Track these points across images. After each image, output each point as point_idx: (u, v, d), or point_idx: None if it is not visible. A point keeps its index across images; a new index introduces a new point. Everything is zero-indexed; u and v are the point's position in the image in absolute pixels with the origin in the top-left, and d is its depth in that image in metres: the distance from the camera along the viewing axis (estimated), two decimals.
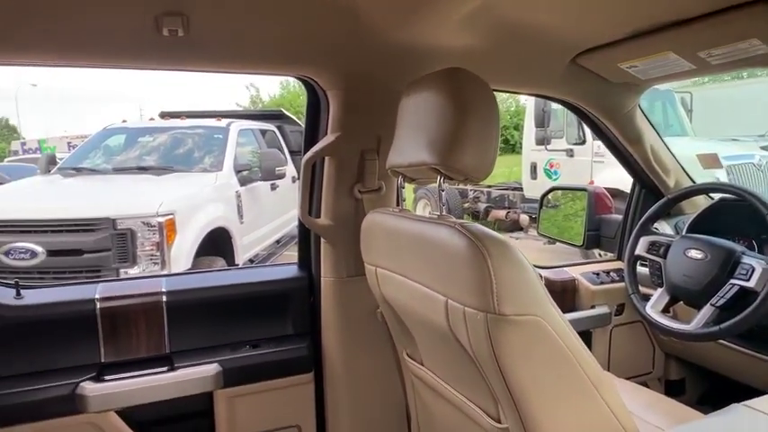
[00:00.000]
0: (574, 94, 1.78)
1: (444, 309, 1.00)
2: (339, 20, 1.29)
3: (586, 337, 1.91)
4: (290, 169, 5.33)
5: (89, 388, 1.37)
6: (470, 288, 0.92)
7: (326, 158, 1.52)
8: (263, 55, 1.33)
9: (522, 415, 0.96)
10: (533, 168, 7.23)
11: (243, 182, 4.94)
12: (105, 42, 1.19)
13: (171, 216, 3.89)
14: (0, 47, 1.13)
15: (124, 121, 5.71)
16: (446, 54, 1.43)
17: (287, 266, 1.74)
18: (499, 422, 1.05)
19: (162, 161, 4.93)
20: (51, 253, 3.71)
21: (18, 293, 1.39)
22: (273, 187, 5.50)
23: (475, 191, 8.90)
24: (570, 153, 6.52)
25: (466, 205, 8.79)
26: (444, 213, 1.10)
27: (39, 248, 3.71)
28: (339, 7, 1.25)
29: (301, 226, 1.63)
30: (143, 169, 4.79)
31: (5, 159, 15.80)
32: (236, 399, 1.53)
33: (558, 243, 2.51)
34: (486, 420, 1.08)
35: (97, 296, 1.42)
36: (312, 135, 1.56)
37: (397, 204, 1.62)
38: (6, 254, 3.71)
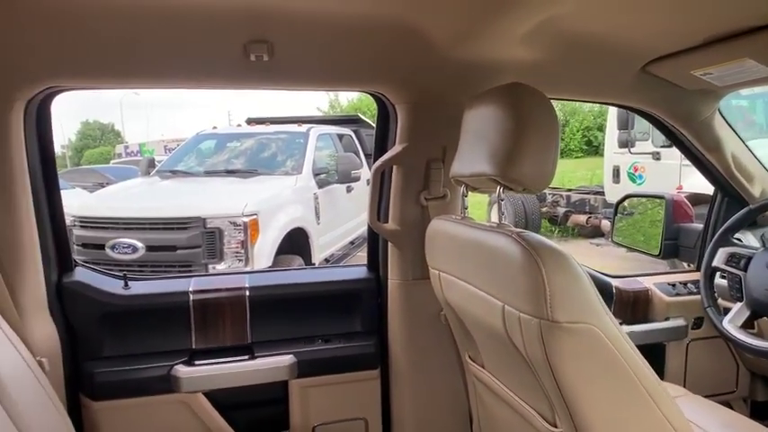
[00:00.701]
0: (645, 102, 1.75)
1: (501, 314, 1.06)
2: (406, 40, 1.37)
3: (659, 349, 1.85)
4: (365, 172, 5.51)
5: (182, 370, 1.55)
6: (525, 295, 0.97)
7: (395, 167, 1.61)
8: (338, 74, 1.45)
9: (575, 420, 0.99)
10: (616, 172, 6.91)
11: (320, 184, 5.18)
12: (202, 68, 1.35)
13: (255, 216, 4.17)
14: (121, 74, 1.33)
15: (215, 128, 6.16)
16: (508, 67, 1.48)
17: (357, 268, 1.85)
18: (555, 426, 1.09)
19: (248, 165, 5.27)
20: (150, 248, 4.11)
21: (126, 284, 1.60)
22: (349, 190, 5.70)
23: (554, 194, 8.64)
24: (657, 156, 6.17)
25: (544, 209, 8.55)
26: (504, 222, 1.15)
27: (139, 244, 4.12)
28: (406, 29, 1.34)
29: (370, 230, 1.73)
30: (231, 172, 5.15)
31: (111, 161, 17.39)
32: (308, 389, 1.66)
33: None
34: (542, 423, 1.12)
35: (191, 289, 1.61)
36: (382, 145, 1.66)
37: (464, 212, 1.68)
38: (112, 248, 4.16)
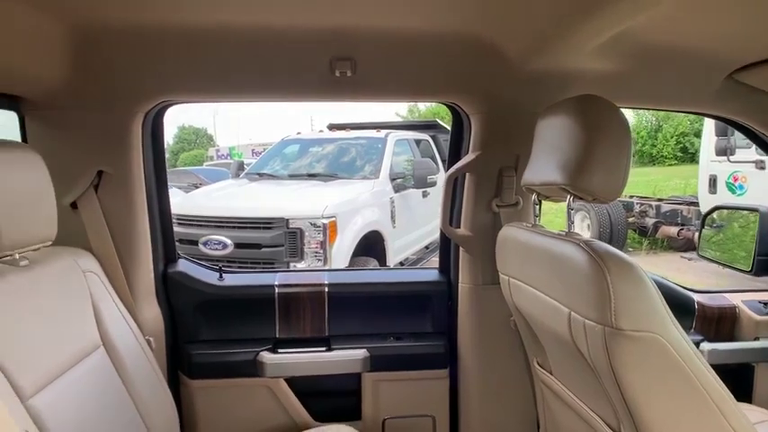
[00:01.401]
0: (732, 110, 1.68)
1: (567, 320, 1.09)
2: (481, 53, 1.44)
3: (747, 371, 1.76)
4: (441, 178, 5.53)
5: (266, 357, 1.71)
6: (590, 302, 1.00)
7: (467, 174, 1.67)
8: (415, 87, 1.54)
9: (638, 429, 1.01)
10: (712, 182, 6.44)
11: (397, 189, 5.30)
12: (291, 83, 1.50)
13: (333, 218, 4.37)
14: (223, 89, 1.51)
15: (299, 133, 6.48)
16: (582, 78, 1.49)
17: (429, 270, 1.93)
18: None
19: (328, 169, 5.51)
20: (237, 245, 4.43)
21: (221, 276, 1.79)
22: (425, 195, 5.78)
23: (642, 204, 8.20)
24: (761, 165, 5.69)
25: (631, 220, 8.13)
26: (573, 231, 1.18)
27: (228, 241, 4.45)
28: (481, 43, 1.40)
29: (442, 235, 1.80)
30: (312, 176, 5.41)
31: (204, 164, 18.64)
32: (380, 383, 1.75)
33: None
34: (606, 430, 1.14)
35: (276, 283, 1.76)
36: (455, 153, 1.73)
37: (535, 220, 1.70)
38: (204, 244, 4.52)
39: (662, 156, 21.48)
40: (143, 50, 1.41)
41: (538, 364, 1.48)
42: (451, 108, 1.67)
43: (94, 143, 1.51)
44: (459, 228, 1.72)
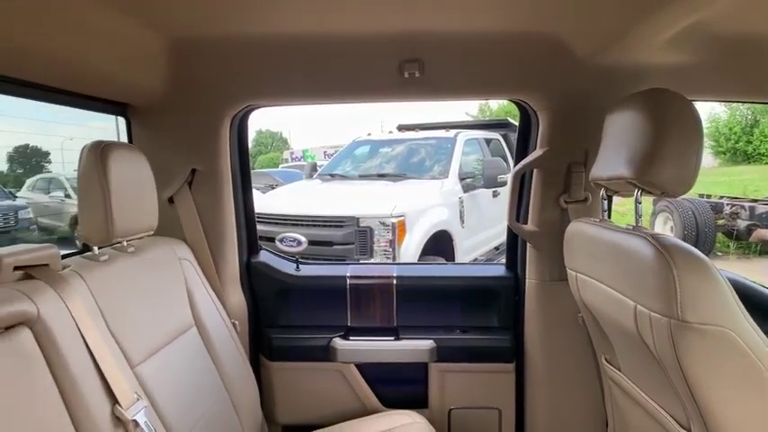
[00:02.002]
0: None
1: (633, 313, 1.10)
2: (548, 50, 1.47)
3: None
4: None
5: (339, 343, 1.82)
6: (656, 294, 1.01)
7: (535, 170, 1.69)
8: (481, 85, 1.59)
9: (707, 424, 1.00)
10: None
11: (466, 188, 5.31)
12: (363, 85, 1.60)
13: (402, 218, 4.46)
14: (303, 93, 1.64)
15: (369, 134, 6.64)
16: (652, 71, 1.48)
17: (496, 266, 1.96)
18: (689, 430, 1.10)
19: (398, 169, 5.61)
20: (311, 243, 4.63)
21: (298, 267, 1.92)
22: (495, 194, 5.73)
23: (733, 205, 7.63)
24: None
25: (720, 222, 7.59)
26: (639, 225, 1.19)
27: (303, 238, 4.66)
28: (548, 39, 1.43)
29: (509, 230, 1.83)
30: (382, 176, 5.53)
31: (279, 165, 19.43)
32: (446, 373, 1.81)
33: None
34: (676, 427, 1.13)
35: (348, 274, 1.87)
36: (523, 149, 1.76)
37: (607, 215, 1.69)
38: (281, 241, 4.76)
39: (758, 153, 19.77)
40: (231, 60, 1.57)
41: (606, 360, 1.48)
42: (519, 104, 1.70)
43: (189, 144, 1.69)
44: (527, 224, 1.75)
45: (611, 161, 1.22)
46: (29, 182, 10.13)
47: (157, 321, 1.35)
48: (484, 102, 24.88)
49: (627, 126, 1.17)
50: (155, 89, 1.56)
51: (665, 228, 7.46)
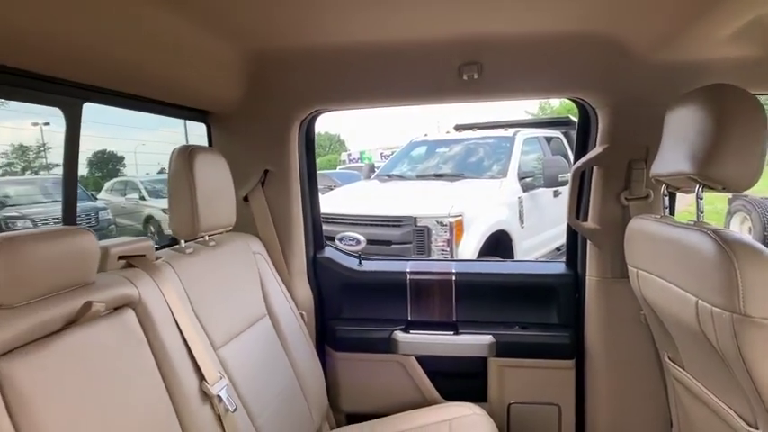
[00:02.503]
0: None
1: (695, 308, 1.12)
2: (607, 49, 1.49)
3: None
4: None
5: (400, 336, 1.91)
6: (717, 288, 1.03)
7: (595, 168, 1.71)
8: (540, 85, 1.63)
9: None
10: None
11: (525, 188, 5.26)
12: (424, 88, 1.68)
13: (460, 217, 4.49)
14: (367, 97, 1.74)
15: (426, 135, 6.70)
16: (713, 67, 1.46)
17: (556, 264, 1.98)
18: (755, 427, 1.10)
19: (455, 169, 5.64)
20: (369, 242, 4.72)
21: (360, 263, 2.03)
22: (556, 194, 5.64)
23: None
24: None
25: None
26: (701, 220, 1.20)
27: (361, 238, 4.77)
28: (607, 38, 1.45)
29: (569, 228, 1.85)
30: (439, 176, 5.58)
31: (337, 167, 19.83)
32: (505, 368, 1.86)
33: None
34: (742, 425, 1.13)
35: (408, 270, 1.96)
36: (582, 147, 1.78)
37: (669, 212, 1.68)
38: (340, 240, 4.91)
39: None
40: (301, 68, 1.69)
41: (669, 358, 1.48)
42: (577, 102, 1.72)
43: (262, 147, 1.83)
44: (587, 221, 1.76)
45: (671, 157, 1.23)
46: (107, 185, 10.94)
47: (235, 309, 1.49)
48: (544, 99, 24.28)
49: (688, 122, 1.18)
50: (232, 97, 1.71)
51: (741, 228, 7.04)
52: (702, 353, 1.21)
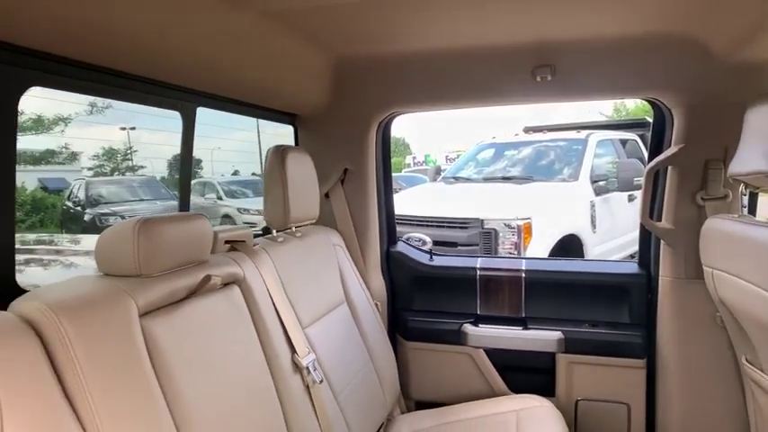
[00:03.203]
0: None
1: None
2: (682, 49, 1.52)
3: None
4: None
5: (469, 329, 2.00)
6: None
7: (669, 168, 1.73)
8: (614, 85, 1.67)
9: None
10: None
11: (598, 192, 5.17)
12: (498, 89, 1.77)
13: (528, 220, 4.50)
14: (441, 99, 1.85)
15: (493, 138, 6.71)
16: None
17: (628, 264, 2.00)
18: None
19: (524, 171, 5.62)
20: (435, 243, 4.83)
21: (431, 258, 2.14)
22: (631, 199, 5.48)
23: None
24: None
25: None
26: None
27: (428, 239, 4.88)
28: (682, 39, 1.49)
29: (642, 228, 1.88)
30: (507, 179, 5.58)
31: (402, 170, 20.03)
32: (573, 365, 1.91)
33: None
34: None
35: (478, 266, 2.05)
36: (657, 147, 1.80)
37: (750, 212, 1.68)
38: (407, 241, 5.04)
39: None
40: (381, 73, 1.83)
41: (747, 360, 1.48)
42: (652, 102, 1.75)
43: (343, 147, 1.99)
44: (660, 221, 1.78)
45: (750, 156, 1.25)
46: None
47: (319, 294, 1.65)
48: (619, 101, 23.32)
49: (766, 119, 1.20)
50: (318, 101, 1.88)
51: None
52: None
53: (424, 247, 5.01)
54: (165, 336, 1.02)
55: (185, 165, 1.50)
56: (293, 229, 1.69)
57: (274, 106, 1.83)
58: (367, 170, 2.02)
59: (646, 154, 6.06)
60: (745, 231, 1.27)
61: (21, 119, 1.03)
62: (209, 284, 1.14)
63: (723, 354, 1.67)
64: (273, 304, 1.38)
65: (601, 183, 5.25)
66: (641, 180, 5.14)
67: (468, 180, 5.99)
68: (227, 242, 1.41)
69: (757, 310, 1.23)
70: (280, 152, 1.56)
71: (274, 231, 1.64)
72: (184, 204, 1.53)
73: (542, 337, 1.92)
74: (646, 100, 1.76)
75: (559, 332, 1.91)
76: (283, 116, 1.97)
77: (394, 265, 2.15)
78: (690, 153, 1.67)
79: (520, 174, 5.62)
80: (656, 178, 1.79)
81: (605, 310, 1.93)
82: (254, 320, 1.31)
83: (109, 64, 1.13)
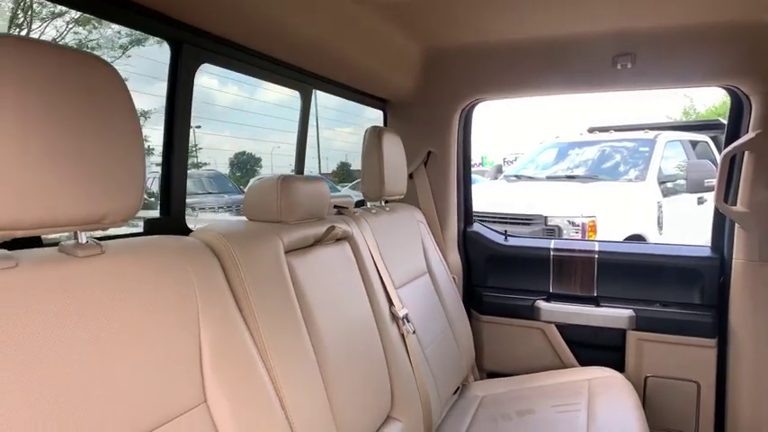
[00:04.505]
0: None
1: None
2: (758, 36, 1.62)
3: None
4: None
5: (542, 305, 2.15)
6: None
7: (746, 153, 1.82)
8: (692, 73, 1.79)
9: None
10: None
11: (666, 193, 5.14)
12: (580, 78, 1.92)
13: (593, 218, 4.55)
14: (522, 87, 2.02)
15: (557, 137, 6.74)
16: None
17: (700, 247, 2.09)
18: None
19: (589, 171, 5.65)
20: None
21: (506, 238, 2.31)
22: (701, 201, 5.41)
23: None
24: None
25: None
26: None
27: None
28: (757, 26, 1.59)
29: (716, 211, 1.97)
30: (571, 178, 5.62)
31: None
32: (643, 342, 2.02)
33: None
34: None
35: (551, 246, 2.19)
36: (734, 133, 1.89)
37: None
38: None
39: None
40: (465, 62, 2.02)
41: None
42: (730, 90, 1.85)
43: (427, 131, 2.19)
44: (735, 205, 1.87)
45: None
46: (251, 181, 12.40)
47: (406, 262, 1.85)
48: (689, 103, 22.43)
49: None
50: (407, 88, 2.09)
51: None
52: None
53: None
54: (303, 271, 1.24)
55: (302, 138, 1.75)
56: (382, 203, 1.90)
57: (370, 91, 2.06)
58: (449, 154, 2.20)
59: (717, 156, 5.97)
60: None
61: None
62: (332, 234, 1.36)
63: None
64: (374, 261, 1.59)
65: (669, 184, 5.22)
66: (713, 182, 5.07)
67: (530, 178, 6.05)
68: (335, 206, 1.64)
69: None
70: (377, 132, 1.77)
71: (368, 204, 1.85)
72: (299, 171, 1.77)
73: (613, 314, 2.05)
74: (723, 87, 1.85)
75: (630, 310, 2.03)
76: (376, 101, 2.19)
77: (470, 243, 2.33)
78: (767, 139, 1.76)
79: (584, 173, 5.64)
80: (731, 163, 1.89)
81: (677, 290, 2.03)
82: (361, 273, 1.52)
83: (258, 47, 1.38)
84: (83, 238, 0.80)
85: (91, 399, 0.73)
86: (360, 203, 2.04)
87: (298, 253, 1.27)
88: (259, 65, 1.48)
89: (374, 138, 1.77)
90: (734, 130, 1.89)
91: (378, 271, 1.60)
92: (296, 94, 1.76)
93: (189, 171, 1.34)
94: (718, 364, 1.94)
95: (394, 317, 1.58)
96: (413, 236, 1.99)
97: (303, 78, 1.67)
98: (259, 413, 0.98)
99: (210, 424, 0.91)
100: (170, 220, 1.25)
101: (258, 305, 1.07)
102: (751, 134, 1.79)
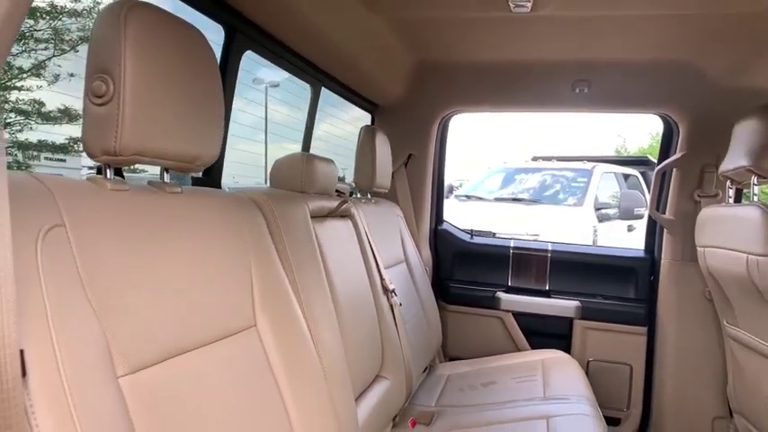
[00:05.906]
0: None
1: (746, 263, 1.60)
2: (687, 73, 2.05)
3: None
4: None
5: (502, 296, 2.46)
6: (761, 242, 1.52)
7: (674, 169, 2.22)
8: (635, 101, 2.19)
9: None
10: None
11: (601, 219, 5.68)
12: (542, 98, 2.28)
13: (536, 236, 4.96)
14: (493, 103, 2.35)
15: (504, 162, 7.24)
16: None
17: (635, 250, 2.48)
18: None
19: (532, 195, 6.14)
20: None
21: (471, 237, 2.61)
22: (630, 229, 6.00)
23: None
24: None
25: None
26: (754, 202, 1.70)
27: None
28: (687, 64, 2.01)
29: (649, 219, 2.36)
30: (517, 200, 6.09)
31: None
32: (587, 330, 2.36)
33: None
34: None
35: (511, 245, 2.51)
36: (665, 152, 2.30)
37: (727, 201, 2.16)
38: None
39: None
40: (447, 75, 2.33)
41: (727, 323, 1.94)
42: (662, 117, 2.26)
43: (409, 136, 2.47)
44: (665, 213, 2.27)
45: (735, 156, 1.74)
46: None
47: (388, 248, 2.10)
48: (621, 143, 24.16)
49: (750, 129, 1.70)
50: (395, 94, 2.37)
51: None
52: (755, 308, 1.67)
53: None
54: (322, 234, 1.47)
55: (308, 132, 1.98)
56: (369, 196, 2.15)
57: (365, 94, 2.32)
58: (427, 158, 2.50)
59: (646, 190, 6.65)
60: (728, 212, 1.75)
61: None
62: (342, 208, 1.60)
63: (710, 323, 2.13)
64: (368, 240, 1.83)
65: (603, 210, 5.77)
66: (641, 210, 5.64)
67: (480, 199, 6.47)
68: (336, 190, 1.88)
69: (733, 269, 1.67)
70: (371, 130, 2.04)
71: (358, 195, 2.10)
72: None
73: (562, 305, 2.38)
74: (657, 114, 2.27)
75: (577, 301, 2.37)
76: (367, 103, 2.46)
77: (440, 240, 2.61)
78: (690, 159, 2.17)
79: (528, 196, 6.12)
80: (662, 178, 2.29)
81: (615, 286, 2.40)
82: (360, 247, 1.76)
83: (287, 40, 1.63)
84: (167, 177, 0.99)
85: (180, 296, 0.91)
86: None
87: (317, 220, 1.50)
88: (286, 57, 1.72)
89: (368, 136, 2.03)
90: (665, 150, 2.30)
91: (371, 248, 1.84)
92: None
93: None
94: (647, 348, 2.31)
95: (385, 289, 1.82)
96: (393, 227, 2.24)
97: (316, 75, 1.92)
98: (296, 340, 1.19)
99: (259, 343, 1.11)
100: (210, 179, 1.46)
101: (293, 255, 1.28)
102: (678, 154, 2.20)
